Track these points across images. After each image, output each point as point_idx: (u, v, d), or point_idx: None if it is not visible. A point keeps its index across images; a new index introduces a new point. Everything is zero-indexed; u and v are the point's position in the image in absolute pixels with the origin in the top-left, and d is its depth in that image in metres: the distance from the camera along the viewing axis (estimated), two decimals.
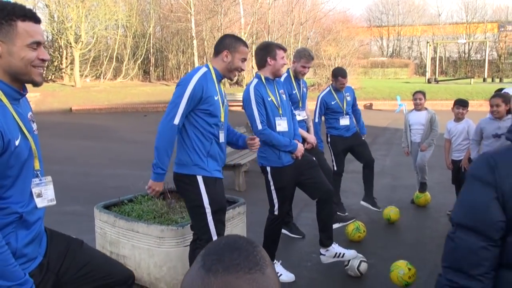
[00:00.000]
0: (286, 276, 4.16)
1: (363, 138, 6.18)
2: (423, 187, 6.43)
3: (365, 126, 6.51)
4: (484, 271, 1.57)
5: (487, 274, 1.58)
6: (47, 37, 29.04)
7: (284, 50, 4.07)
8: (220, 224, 3.21)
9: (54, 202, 2.06)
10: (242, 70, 3.24)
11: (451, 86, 26.45)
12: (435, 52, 39.17)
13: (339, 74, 5.90)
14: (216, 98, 3.13)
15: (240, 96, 22.65)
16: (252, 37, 28.71)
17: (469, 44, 45.58)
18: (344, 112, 5.92)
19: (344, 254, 4.20)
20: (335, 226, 5.01)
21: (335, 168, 6.02)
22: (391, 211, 5.69)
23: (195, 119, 3.11)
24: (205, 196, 3.13)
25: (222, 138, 3.25)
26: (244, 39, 19.43)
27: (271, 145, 3.91)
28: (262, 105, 3.86)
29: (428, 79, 32.52)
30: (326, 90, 5.96)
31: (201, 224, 3.19)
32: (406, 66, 45.28)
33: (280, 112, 3.98)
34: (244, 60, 3.23)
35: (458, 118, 5.88)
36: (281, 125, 3.96)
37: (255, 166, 8.67)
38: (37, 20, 1.82)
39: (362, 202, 6.10)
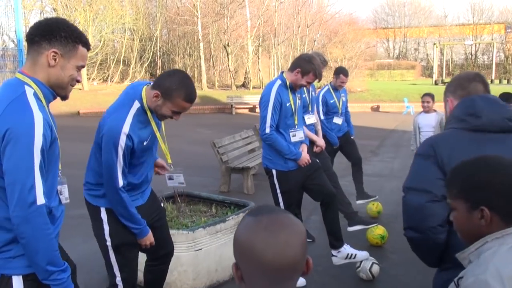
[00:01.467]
0: (299, 280, 4.12)
1: (352, 137, 6.42)
2: None
3: (373, 129, 6.60)
4: (431, 225, 1.88)
5: (435, 228, 1.88)
6: None
7: (318, 79, 4.00)
8: (128, 260, 2.81)
9: (69, 201, 2.26)
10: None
11: None
12: (442, 53, 38.99)
13: (341, 71, 6.06)
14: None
15: (247, 98, 22.66)
16: (259, 40, 28.71)
17: (475, 45, 45.36)
18: (340, 111, 6.03)
19: (356, 255, 4.17)
20: (356, 228, 5.00)
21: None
22: (374, 206, 6.01)
23: None
24: (106, 227, 2.74)
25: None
26: (250, 41, 19.13)
27: (273, 150, 3.90)
28: (279, 110, 3.84)
29: (435, 81, 32.40)
30: (325, 88, 6.05)
31: (104, 257, 2.82)
32: (412, 68, 45.16)
33: (296, 121, 4.00)
34: None
35: (426, 111, 5.97)
36: (296, 136, 3.98)
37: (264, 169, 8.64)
38: (89, 49, 2.12)
39: (358, 201, 6.26)
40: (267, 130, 3.83)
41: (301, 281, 4.11)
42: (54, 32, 1.97)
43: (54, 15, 28.35)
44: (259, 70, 29.21)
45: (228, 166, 7.23)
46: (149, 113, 2.68)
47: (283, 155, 3.89)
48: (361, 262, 4.21)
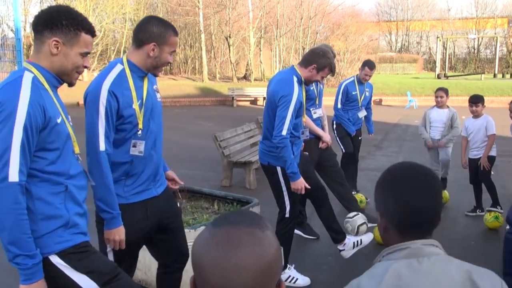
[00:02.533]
0: (302, 280, 4.00)
1: (359, 138, 6.46)
2: (443, 182, 6.24)
3: (376, 122, 6.63)
4: None
5: None
6: None
7: (333, 73, 3.90)
8: (122, 258, 2.55)
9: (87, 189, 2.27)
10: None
11: (462, 82, 26.08)
12: (445, 47, 38.71)
13: (366, 64, 6.13)
14: None
15: (248, 91, 22.49)
16: (261, 32, 28.47)
17: (478, 39, 45.05)
18: (360, 105, 6.10)
19: (361, 240, 4.18)
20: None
21: (343, 150, 6.20)
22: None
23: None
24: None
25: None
26: (251, 33, 19.03)
27: (280, 155, 3.65)
28: (296, 112, 3.67)
29: (438, 75, 32.15)
30: (350, 79, 6.24)
31: (102, 251, 2.55)
32: (414, 61, 44.86)
33: (304, 118, 3.91)
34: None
35: (475, 116, 5.69)
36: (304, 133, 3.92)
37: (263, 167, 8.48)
38: (94, 35, 2.14)
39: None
40: (284, 133, 3.57)
41: (305, 280, 3.99)
42: (55, 21, 2.01)
43: (54, 4, 28.12)
44: (260, 62, 28.98)
45: (230, 160, 7.09)
46: (127, 70, 2.49)
47: (285, 164, 3.64)
48: (354, 215, 4.33)
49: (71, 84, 2.15)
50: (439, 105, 6.17)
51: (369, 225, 4.93)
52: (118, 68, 2.48)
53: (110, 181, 2.38)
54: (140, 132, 2.49)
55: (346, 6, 33.68)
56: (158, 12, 30.55)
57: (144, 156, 2.52)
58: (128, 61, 2.52)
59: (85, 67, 2.11)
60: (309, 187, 3.74)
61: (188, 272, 3.55)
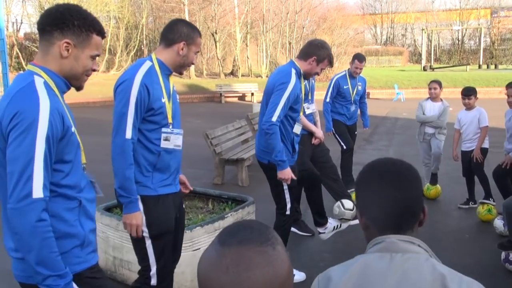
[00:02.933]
0: (299, 275, 3.98)
1: (355, 133, 6.53)
2: (434, 178, 6.25)
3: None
4: None
5: None
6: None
7: (331, 65, 3.86)
8: (165, 250, 2.68)
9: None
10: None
11: (448, 74, 26.27)
12: (429, 39, 38.93)
13: (356, 57, 6.19)
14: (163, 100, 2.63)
15: (236, 87, 22.41)
16: (247, 27, 28.35)
17: (462, 31, 45.40)
18: (352, 99, 6.12)
19: (341, 224, 4.38)
20: (356, 222, 4.81)
21: (344, 147, 6.25)
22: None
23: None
24: (143, 217, 2.58)
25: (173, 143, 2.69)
26: (238, 28, 18.91)
27: (268, 142, 3.57)
28: (291, 103, 3.60)
29: (424, 67, 32.34)
30: (342, 74, 6.24)
31: (138, 248, 2.70)
32: (400, 53, 45.08)
33: (301, 114, 3.85)
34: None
35: (468, 108, 5.69)
36: (297, 129, 3.80)
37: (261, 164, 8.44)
38: (104, 36, 2.02)
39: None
40: (274, 119, 3.50)
41: (302, 275, 3.97)
42: (66, 21, 1.88)
43: (36, 3, 27.69)
44: (247, 57, 28.87)
45: (222, 158, 7.03)
46: (157, 67, 2.61)
47: (273, 152, 3.55)
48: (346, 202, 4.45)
49: (80, 88, 2.04)
50: (433, 97, 6.16)
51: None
52: (147, 64, 2.58)
53: (131, 168, 2.48)
54: (170, 126, 2.62)
55: (331, 0, 33.60)
56: (142, 9, 30.24)
57: (171, 151, 2.64)
58: (157, 58, 2.64)
59: (94, 70, 2.01)
60: (295, 177, 3.70)
61: (184, 274, 3.50)
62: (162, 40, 2.70)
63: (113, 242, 3.76)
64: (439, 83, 6.18)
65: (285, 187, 3.76)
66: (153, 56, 2.67)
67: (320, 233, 4.37)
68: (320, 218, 4.33)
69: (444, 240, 4.82)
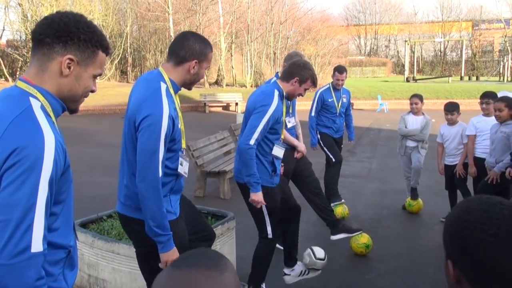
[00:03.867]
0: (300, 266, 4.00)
1: (341, 146, 6.46)
2: (414, 192, 6.21)
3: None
4: None
5: None
6: (20, 37, 28.23)
7: (315, 86, 3.74)
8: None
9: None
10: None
11: (430, 85, 26.56)
12: (412, 50, 39.42)
13: (336, 69, 6.19)
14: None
15: (220, 97, 22.34)
16: (231, 37, 28.36)
17: (444, 42, 46.09)
18: (338, 112, 6.07)
19: (309, 271, 4.06)
20: (340, 236, 4.73)
21: (333, 159, 6.16)
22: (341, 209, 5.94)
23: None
24: None
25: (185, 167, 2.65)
26: (222, 38, 18.77)
27: (243, 163, 3.45)
28: (270, 126, 3.47)
29: (407, 78, 32.67)
30: (326, 87, 6.23)
31: (151, 274, 2.55)
32: (383, 64, 45.53)
33: (282, 136, 3.71)
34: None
35: (451, 124, 5.70)
36: (278, 153, 3.65)
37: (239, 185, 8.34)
38: (108, 54, 1.78)
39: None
40: (252, 142, 3.38)
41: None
42: (71, 34, 1.60)
43: (19, 10, 27.36)
44: (232, 67, 28.86)
45: (204, 170, 6.94)
46: (172, 91, 2.49)
47: (246, 174, 3.44)
48: (318, 252, 4.11)
49: (75, 111, 1.76)
50: (415, 111, 6.16)
51: (348, 235, 4.85)
52: (163, 87, 2.43)
53: (162, 205, 2.37)
54: (183, 151, 2.59)
55: (316, 11, 33.91)
56: (127, 17, 30.09)
57: (183, 174, 2.63)
58: (170, 79, 2.50)
59: (92, 91, 1.74)
60: (264, 203, 3.49)
61: None
62: (172, 56, 2.52)
63: (88, 259, 3.63)
64: (420, 98, 6.20)
65: (265, 210, 3.59)
66: (165, 75, 2.50)
67: (285, 274, 4.05)
68: (291, 259, 4.04)
69: (427, 256, 4.78)
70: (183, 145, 2.59)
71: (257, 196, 3.44)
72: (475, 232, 1.03)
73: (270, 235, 3.66)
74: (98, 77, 1.75)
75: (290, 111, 4.88)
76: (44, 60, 1.61)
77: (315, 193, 5.04)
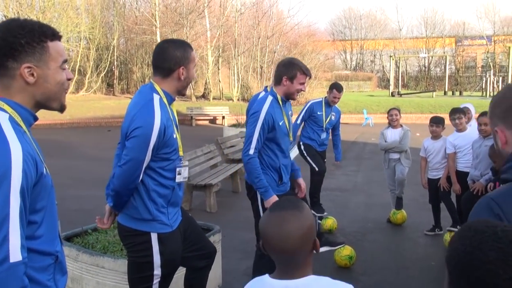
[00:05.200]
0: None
1: (324, 160, 6.44)
2: (399, 202, 6.32)
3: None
4: None
5: None
6: None
7: (308, 75, 3.61)
8: (166, 284, 2.68)
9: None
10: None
11: (415, 100, 26.93)
12: (397, 65, 39.97)
13: (334, 86, 6.21)
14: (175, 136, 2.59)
15: (207, 110, 22.36)
16: (219, 50, 28.51)
17: (429, 58, 46.83)
18: (324, 127, 6.10)
19: None
20: (322, 249, 4.72)
21: (317, 168, 6.18)
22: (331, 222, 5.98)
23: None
24: (157, 257, 2.56)
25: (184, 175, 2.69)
26: (210, 52, 18.75)
27: (250, 174, 3.45)
28: (267, 131, 3.45)
29: (392, 93, 33.08)
30: (318, 100, 6.33)
31: (141, 286, 2.61)
32: (369, 79, 46.07)
33: (291, 138, 3.69)
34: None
35: (435, 136, 5.79)
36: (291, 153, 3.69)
37: (227, 185, 8.40)
38: (60, 38, 1.69)
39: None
40: (251, 152, 3.39)
41: None
42: (13, 45, 1.56)
43: None
44: (219, 81, 28.96)
45: (190, 184, 6.93)
46: (165, 101, 2.55)
47: (254, 183, 3.45)
48: None
49: (62, 108, 1.72)
50: (394, 124, 6.28)
51: (330, 248, 4.86)
52: (157, 98, 2.50)
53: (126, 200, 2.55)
54: (182, 159, 2.64)
55: (302, 26, 34.18)
56: (114, 30, 30.09)
57: (180, 184, 2.67)
58: (163, 90, 2.56)
59: (69, 79, 1.71)
60: None
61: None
62: (157, 71, 2.58)
63: (72, 273, 3.60)
64: (399, 110, 6.41)
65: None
66: (157, 87, 2.56)
67: None
68: None
69: (411, 268, 4.82)
70: (181, 153, 2.64)
71: (270, 202, 3.38)
72: (488, 275, 0.95)
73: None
74: (66, 64, 1.71)
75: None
76: (6, 79, 1.59)
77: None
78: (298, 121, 6.21)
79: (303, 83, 3.56)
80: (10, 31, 1.57)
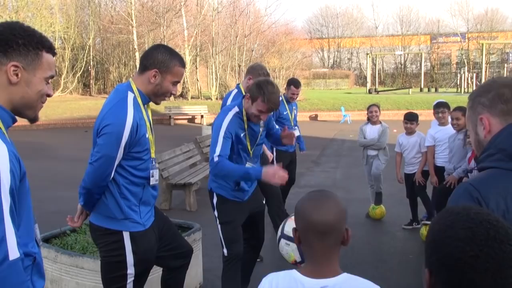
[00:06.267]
0: None
1: (295, 165, 6.31)
2: (378, 197, 6.41)
3: (313, 138, 6.64)
4: None
5: None
6: None
7: (271, 109, 3.25)
8: (141, 284, 2.68)
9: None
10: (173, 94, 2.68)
11: (391, 96, 27.26)
12: (374, 63, 40.41)
13: (292, 83, 6.10)
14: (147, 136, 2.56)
15: (186, 109, 22.29)
16: (196, 49, 28.40)
17: (404, 55, 47.45)
18: (292, 124, 6.05)
19: None
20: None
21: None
22: None
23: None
24: (130, 257, 2.54)
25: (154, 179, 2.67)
26: (187, 51, 18.56)
27: (227, 176, 3.23)
28: (230, 139, 3.24)
29: (369, 90, 33.44)
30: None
31: (115, 286, 2.59)
32: (346, 77, 46.46)
33: (251, 154, 3.43)
34: (176, 83, 2.61)
35: (409, 132, 5.89)
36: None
37: (206, 184, 8.33)
38: (55, 54, 1.75)
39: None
40: (215, 159, 3.14)
41: None
42: (9, 41, 1.58)
43: None
44: (197, 80, 28.86)
45: (169, 183, 6.91)
46: (139, 100, 2.53)
47: (240, 179, 3.26)
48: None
49: (35, 119, 1.73)
50: (373, 120, 6.36)
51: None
52: (131, 97, 2.48)
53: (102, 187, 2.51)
54: (153, 161, 2.61)
55: (280, 24, 34.28)
56: (89, 30, 29.70)
57: (153, 184, 2.66)
58: (137, 89, 2.54)
59: (48, 95, 1.71)
60: (280, 168, 3.06)
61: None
62: (140, 65, 2.60)
63: (51, 275, 3.56)
64: (378, 107, 6.47)
65: (219, 226, 3.44)
66: (133, 85, 2.55)
67: None
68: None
69: (389, 262, 4.90)
70: (153, 155, 2.61)
71: (267, 175, 2.99)
72: (455, 251, 1.00)
73: (225, 253, 3.44)
74: (50, 79, 1.73)
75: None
76: None
77: (277, 206, 5.15)
78: None
79: (262, 112, 3.22)
80: (11, 29, 1.62)
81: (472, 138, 1.62)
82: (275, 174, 2.98)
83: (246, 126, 3.35)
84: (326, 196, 1.53)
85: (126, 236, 2.52)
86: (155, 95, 2.57)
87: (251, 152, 3.43)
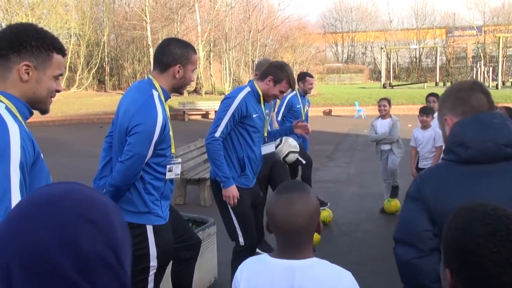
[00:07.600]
0: None
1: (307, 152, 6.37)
2: (394, 191, 6.41)
3: (327, 133, 6.66)
4: (421, 283, 1.63)
5: (426, 286, 1.63)
6: None
7: (292, 87, 3.61)
8: (160, 276, 2.75)
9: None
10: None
11: (406, 91, 27.04)
12: (388, 57, 40.07)
13: (305, 74, 6.24)
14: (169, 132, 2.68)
15: (199, 105, 22.38)
16: (210, 45, 28.45)
17: (419, 49, 46.97)
18: (303, 118, 6.08)
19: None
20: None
21: (304, 161, 6.14)
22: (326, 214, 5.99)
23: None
24: (153, 249, 2.60)
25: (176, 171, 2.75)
26: (201, 46, 18.64)
27: (211, 157, 3.39)
28: (237, 119, 3.40)
29: (383, 84, 33.18)
30: (293, 93, 6.17)
31: (138, 278, 2.63)
32: (361, 71, 46.14)
33: (265, 134, 3.68)
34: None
35: (424, 126, 5.85)
36: (266, 150, 3.67)
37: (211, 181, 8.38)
38: (65, 54, 1.89)
39: None
40: (217, 134, 3.32)
41: None
42: (23, 42, 1.72)
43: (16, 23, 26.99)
44: (210, 75, 28.94)
45: (184, 178, 6.96)
46: (163, 98, 2.61)
47: (216, 168, 3.37)
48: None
49: (45, 111, 1.89)
50: (383, 114, 6.35)
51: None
52: (156, 95, 2.55)
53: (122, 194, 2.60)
54: (173, 157, 2.70)
55: (293, 19, 34.19)
56: (104, 26, 29.94)
57: (172, 179, 2.73)
58: (160, 86, 2.60)
59: (58, 91, 1.86)
60: (237, 199, 3.38)
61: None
62: (156, 64, 2.64)
63: None
64: (389, 101, 6.46)
65: (233, 215, 3.49)
66: (156, 83, 2.60)
67: None
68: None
69: None
70: (173, 151, 2.69)
71: (228, 191, 3.33)
72: (478, 249, 1.00)
73: (241, 243, 3.51)
74: (60, 77, 1.87)
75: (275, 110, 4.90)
76: (4, 70, 1.74)
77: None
78: (279, 118, 6.04)
79: (283, 92, 3.61)
80: (25, 31, 1.76)
81: (443, 137, 1.85)
82: (231, 198, 3.38)
83: (263, 106, 3.58)
84: (295, 198, 1.50)
85: (150, 229, 2.59)
86: (180, 88, 2.70)
87: (265, 131, 3.66)
